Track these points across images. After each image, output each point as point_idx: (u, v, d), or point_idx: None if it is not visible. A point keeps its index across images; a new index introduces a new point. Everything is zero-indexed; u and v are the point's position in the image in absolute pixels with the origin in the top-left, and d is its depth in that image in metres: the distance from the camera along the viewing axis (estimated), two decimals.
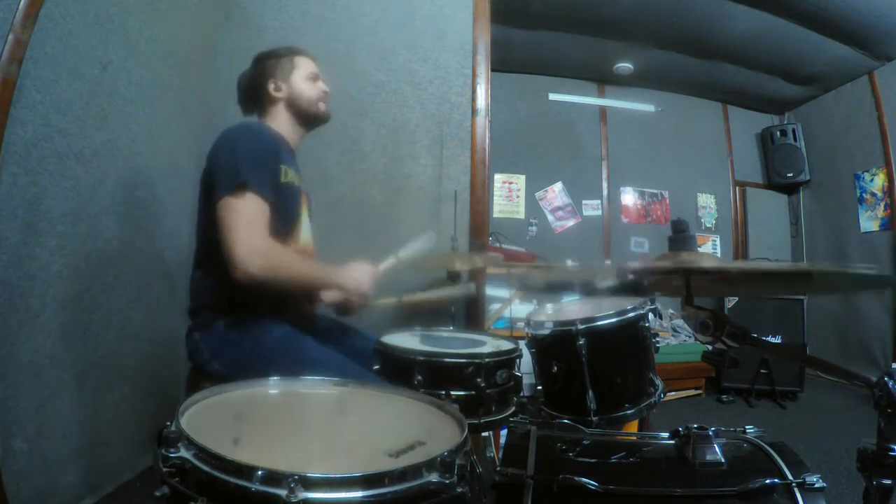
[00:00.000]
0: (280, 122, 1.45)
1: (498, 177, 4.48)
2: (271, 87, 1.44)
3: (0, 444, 1.31)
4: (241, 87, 1.51)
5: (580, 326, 1.40)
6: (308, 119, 1.48)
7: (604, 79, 4.70)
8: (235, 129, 1.30)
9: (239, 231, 1.14)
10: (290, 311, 1.36)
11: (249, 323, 1.26)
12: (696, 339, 3.32)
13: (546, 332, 1.50)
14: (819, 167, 4.54)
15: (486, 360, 1.28)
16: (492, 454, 1.73)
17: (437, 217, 2.28)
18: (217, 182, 1.20)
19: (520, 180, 4.53)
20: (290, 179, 1.35)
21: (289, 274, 1.23)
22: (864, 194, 4.08)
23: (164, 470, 0.62)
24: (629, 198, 4.69)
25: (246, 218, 1.16)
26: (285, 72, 1.45)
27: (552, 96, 4.66)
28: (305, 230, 1.45)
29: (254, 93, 1.47)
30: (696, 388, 3.64)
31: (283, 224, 1.29)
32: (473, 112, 2.35)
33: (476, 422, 1.26)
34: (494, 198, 4.44)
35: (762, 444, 0.88)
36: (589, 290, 1.34)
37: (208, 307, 1.29)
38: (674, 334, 3.79)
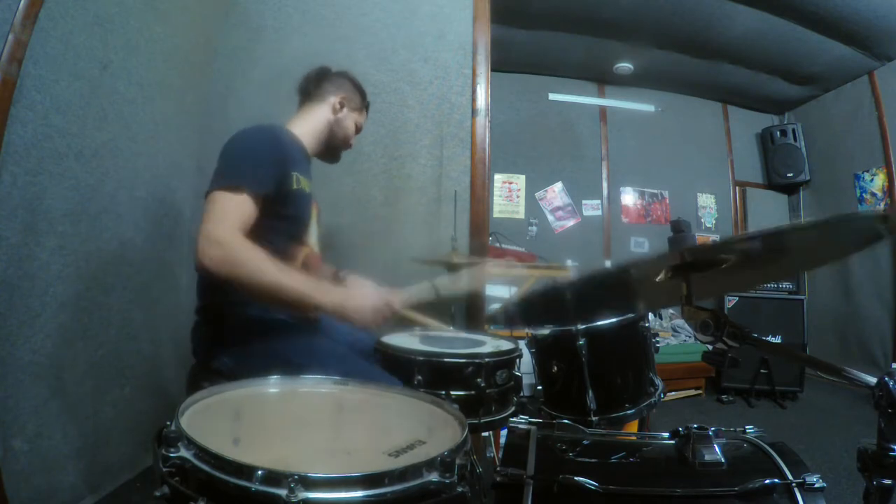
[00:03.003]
0: (313, 130, 1.46)
1: (498, 177, 4.48)
2: (338, 100, 1.47)
3: (0, 444, 1.31)
4: (316, 77, 1.51)
5: (580, 326, 1.40)
6: (328, 148, 1.51)
7: (604, 79, 4.70)
8: (248, 131, 1.28)
9: (208, 222, 1.09)
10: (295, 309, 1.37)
11: (256, 317, 1.27)
12: (696, 339, 3.32)
13: (546, 332, 1.50)
14: (819, 167, 4.54)
15: (486, 360, 1.28)
16: (492, 454, 1.73)
17: (437, 217, 2.28)
18: (214, 175, 1.20)
19: (520, 180, 4.53)
20: (302, 186, 1.35)
21: (249, 274, 1.07)
22: (864, 194, 4.08)
23: (164, 470, 0.62)
24: (629, 198, 4.69)
25: (220, 211, 1.11)
26: (354, 107, 1.50)
27: (552, 96, 4.66)
28: (312, 236, 1.46)
29: (320, 89, 1.48)
30: (696, 388, 3.64)
31: (294, 230, 1.30)
32: (473, 112, 2.35)
33: (476, 422, 1.26)
34: (494, 198, 4.44)
35: (762, 444, 0.88)
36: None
37: (217, 303, 1.30)
38: (674, 334, 3.79)
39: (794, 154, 4.59)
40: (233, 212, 1.12)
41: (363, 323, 1.15)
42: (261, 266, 1.08)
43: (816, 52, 3.81)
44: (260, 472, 0.58)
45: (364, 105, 1.56)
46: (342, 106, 1.48)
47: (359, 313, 1.15)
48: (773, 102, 4.81)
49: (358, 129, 1.55)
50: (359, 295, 1.19)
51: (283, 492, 0.56)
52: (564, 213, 4.55)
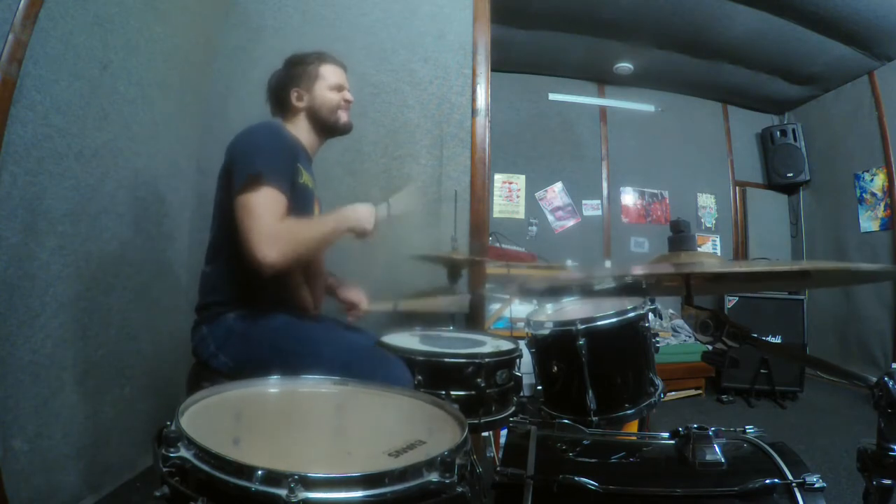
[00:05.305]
0: (300, 128, 1.47)
1: (498, 177, 4.48)
2: (294, 96, 1.45)
3: (0, 444, 1.31)
4: (269, 88, 1.51)
5: (580, 326, 1.40)
6: (327, 129, 1.49)
7: (604, 79, 4.69)
8: (255, 127, 1.32)
9: (253, 226, 1.16)
10: (297, 308, 1.39)
11: (257, 314, 1.28)
12: (696, 339, 3.32)
13: (546, 332, 1.50)
14: (819, 167, 4.54)
15: (486, 360, 1.29)
16: (492, 454, 1.73)
17: (437, 217, 2.28)
18: (234, 178, 1.22)
19: (520, 180, 4.53)
20: (305, 181, 1.38)
21: (306, 246, 1.25)
22: (864, 194, 4.08)
23: (164, 470, 0.62)
24: (629, 198, 4.69)
25: (259, 210, 1.17)
26: (309, 82, 1.46)
27: (552, 96, 4.66)
28: None
29: (279, 97, 1.48)
30: (696, 388, 3.64)
31: None
32: (473, 112, 2.34)
33: (476, 422, 1.26)
34: (494, 198, 4.44)
35: (762, 444, 0.88)
36: (588, 293, 1.33)
37: (218, 303, 1.30)
38: (674, 334, 3.79)
39: (794, 154, 4.59)
40: (271, 206, 1.19)
41: (369, 228, 1.34)
42: (306, 234, 1.26)
43: (816, 52, 3.81)
44: (260, 472, 0.58)
45: (324, 60, 1.48)
46: (300, 96, 1.44)
47: (364, 220, 1.34)
48: (773, 102, 4.81)
49: (339, 88, 1.48)
50: (360, 209, 1.35)
51: (283, 492, 0.56)
52: (564, 213, 4.55)
